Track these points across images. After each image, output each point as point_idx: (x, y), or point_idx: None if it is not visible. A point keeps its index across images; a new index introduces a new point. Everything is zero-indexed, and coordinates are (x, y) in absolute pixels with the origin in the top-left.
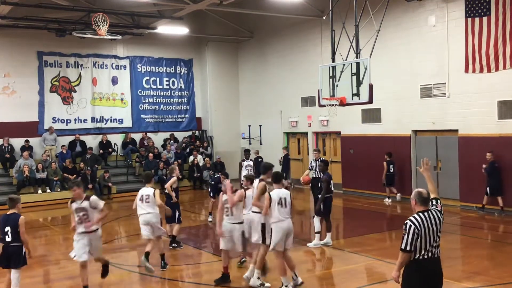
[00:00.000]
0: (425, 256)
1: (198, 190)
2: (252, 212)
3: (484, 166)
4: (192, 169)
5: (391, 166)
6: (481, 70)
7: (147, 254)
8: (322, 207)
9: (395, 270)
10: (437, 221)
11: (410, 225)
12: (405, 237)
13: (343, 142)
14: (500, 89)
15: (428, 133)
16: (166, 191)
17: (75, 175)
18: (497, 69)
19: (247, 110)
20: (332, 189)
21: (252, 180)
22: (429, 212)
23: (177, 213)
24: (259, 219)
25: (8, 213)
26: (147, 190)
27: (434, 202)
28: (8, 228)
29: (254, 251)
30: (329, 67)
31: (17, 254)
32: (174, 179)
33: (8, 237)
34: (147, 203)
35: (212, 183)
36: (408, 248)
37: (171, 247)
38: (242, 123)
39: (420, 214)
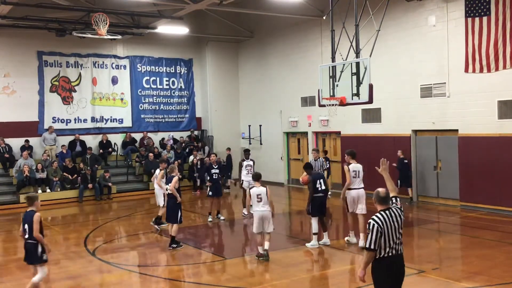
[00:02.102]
0: (390, 254)
1: (198, 190)
2: (360, 188)
3: (394, 164)
4: (192, 169)
5: (327, 162)
6: (481, 70)
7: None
8: (310, 206)
9: (361, 269)
10: (398, 218)
11: (374, 224)
12: (369, 236)
13: (343, 142)
14: (500, 89)
15: (428, 133)
16: (169, 191)
17: (75, 175)
18: (497, 69)
19: (247, 110)
20: (321, 188)
21: (258, 179)
22: (390, 210)
23: (179, 213)
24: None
25: (27, 210)
26: (157, 171)
27: (394, 200)
28: (26, 226)
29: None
30: (329, 67)
31: (32, 251)
32: (176, 178)
33: (26, 234)
34: (155, 180)
35: (208, 178)
36: (372, 247)
37: (171, 248)
38: (242, 123)
39: (382, 212)
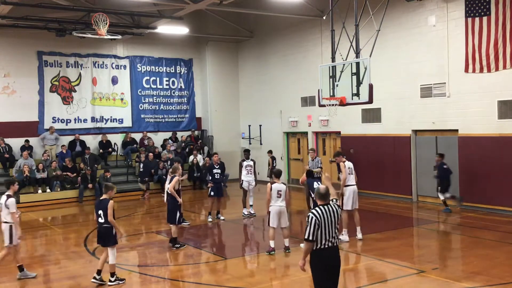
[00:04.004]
0: (326, 246)
1: (198, 190)
2: (355, 184)
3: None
4: (192, 169)
5: (274, 161)
6: (481, 70)
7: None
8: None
9: (301, 259)
10: (335, 214)
11: (312, 217)
12: (308, 227)
13: (343, 142)
14: (500, 89)
15: (428, 133)
16: (169, 191)
17: (75, 174)
18: (497, 69)
19: (247, 110)
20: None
21: (279, 176)
22: (328, 205)
23: (177, 214)
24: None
25: (101, 198)
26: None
27: (334, 201)
28: (100, 211)
29: None
30: (329, 67)
31: (108, 234)
32: (176, 179)
33: (101, 218)
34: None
35: (210, 177)
36: (310, 238)
37: (174, 248)
38: (242, 123)
39: (321, 207)
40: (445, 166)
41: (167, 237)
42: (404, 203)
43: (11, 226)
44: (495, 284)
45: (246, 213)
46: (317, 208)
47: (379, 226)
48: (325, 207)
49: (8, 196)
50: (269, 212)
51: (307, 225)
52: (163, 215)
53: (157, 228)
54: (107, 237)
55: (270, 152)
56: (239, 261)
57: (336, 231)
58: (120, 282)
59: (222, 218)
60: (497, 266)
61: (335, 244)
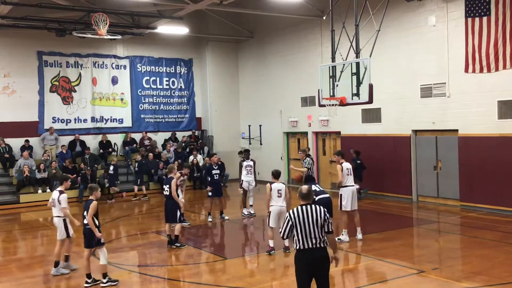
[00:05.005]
0: (306, 246)
1: (198, 190)
2: (354, 185)
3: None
4: (192, 169)
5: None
6: (481, 70)
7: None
8: None
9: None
10: (316, 214)
11: (287, 216)
12: (283, 225)
13: (343, 142)
14: (500, 89)
15: (428, 133)
16: (172, 195)
17: (75, 175)
18: (497, 69)
19: (247, 110)
20: (319, 189)
21: (278, 176)
22: (308, 206)
23: (178, 213)
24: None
25: (87, 199)
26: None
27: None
28: (85, 212)
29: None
30: (329, 67)
31: (91, 235)
32: (174, 181)
33: (86, 220)
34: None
35: (209, 178)
36: (284, 237)
37: (174, 247)
38: (242, 123)
39: (299, 207)
40: (358, 162)
41: (166, 236)
42: (404, 203)
43: (64, 220)
44: (495, 284)
45: (246, 213)
46: (294, 208)
47: (379, 226)
48: (305, 207)
49: (61, 192)
50: (269, 212)
51: (283, 223)
52: (163, 215)
53: (157, 228)
54: (90, 238)
55: (241, 152)
56: (239, 261)
57: (320, 231)
58: (113, 283)
59: (226, 218)
60: (497, 266)
61: (317, 245)
